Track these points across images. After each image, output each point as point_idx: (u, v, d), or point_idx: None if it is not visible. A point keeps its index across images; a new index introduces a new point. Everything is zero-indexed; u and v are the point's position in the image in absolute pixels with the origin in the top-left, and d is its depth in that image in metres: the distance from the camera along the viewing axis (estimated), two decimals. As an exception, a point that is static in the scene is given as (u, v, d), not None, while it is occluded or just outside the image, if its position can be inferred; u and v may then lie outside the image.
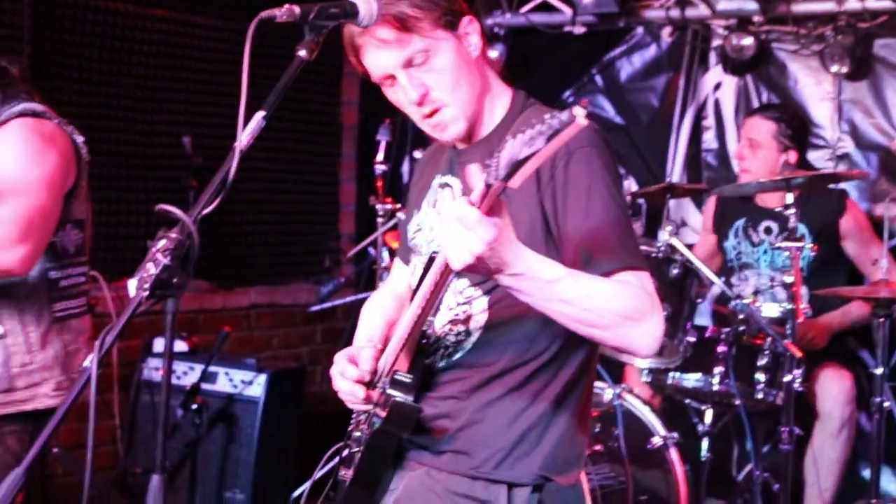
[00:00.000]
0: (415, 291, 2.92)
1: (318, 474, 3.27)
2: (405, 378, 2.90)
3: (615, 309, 2.60)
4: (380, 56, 2.92)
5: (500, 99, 3.05)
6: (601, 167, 2.79)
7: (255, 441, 6.49)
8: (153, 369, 6.77)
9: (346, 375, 2.97)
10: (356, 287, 8.03)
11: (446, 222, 2.41)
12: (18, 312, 3.86)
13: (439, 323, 3.00)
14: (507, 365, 2.93)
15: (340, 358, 3.03)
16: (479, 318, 2.95)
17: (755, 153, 6.26)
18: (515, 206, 2.70)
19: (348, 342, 3.21)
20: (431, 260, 2.78)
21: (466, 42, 2.95)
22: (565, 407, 2.98)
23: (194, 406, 6.42)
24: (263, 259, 7.95)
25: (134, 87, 7.15)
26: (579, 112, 2.21)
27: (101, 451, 6.46)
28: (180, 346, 6.78)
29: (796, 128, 6.38)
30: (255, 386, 6.53)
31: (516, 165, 2.28)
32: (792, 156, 6.29)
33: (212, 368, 6.55)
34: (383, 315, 3.32)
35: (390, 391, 2.88)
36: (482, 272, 2.49)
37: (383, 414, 2.89)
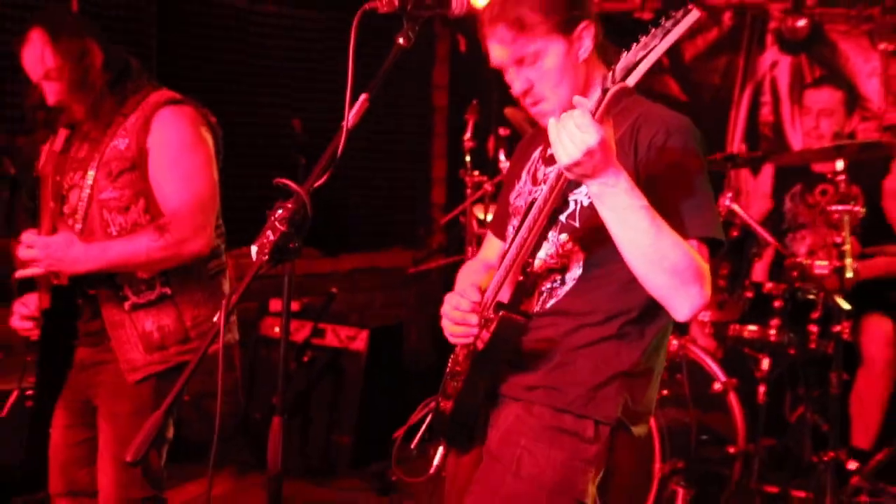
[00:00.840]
0: (515, 236, 2.94)
1: (415, 417, 3.31)
2: (508, 304, 2.89)
3: (674, 259, 2.61)
4: (496, 50, 2.95)
5: None
6: (694, 149, 2.81)
7: (359, 389, 6.58)
8: (269, 327, 6.89)
9: (460, 307, 2.95)
10: (447, 252, 8.07)
11: (563, 123, 2.48)
12: (183, 273, 3.93)
13: (538, 264, 2.97)
14: (597, 316, 2.93)
15: (450, 296, 3.02)
16: (575, 269, 2.95)
17: (826, 120, 6.23)
18: (620, 153, 2.68)
19: (440, 302, 3.23)
20: (531, 204, 2.81)
21: (578, 44, 2.94)
22: (647, 363, 3.00)
23: (305, 359, 6.52)
24: (364, 228, 8.01)
25: (248, 74, 7.26)
26: (693, 10, 2.30)
27: (226, 400, 6.55)
28: (293, 305, 6.86)
29: (856, 97, 6.39)
30: (358, 341, 6.61)
31: (632, 66, 2.34)
32: (853, 122, 6.28)
33: (321, 325, 6.64)
34: (477, 277, 3.28)
35: (496, 312, 2.87)
36: (585, 172, 2.51)
37: (491, 329, 2.86)
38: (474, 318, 2.92)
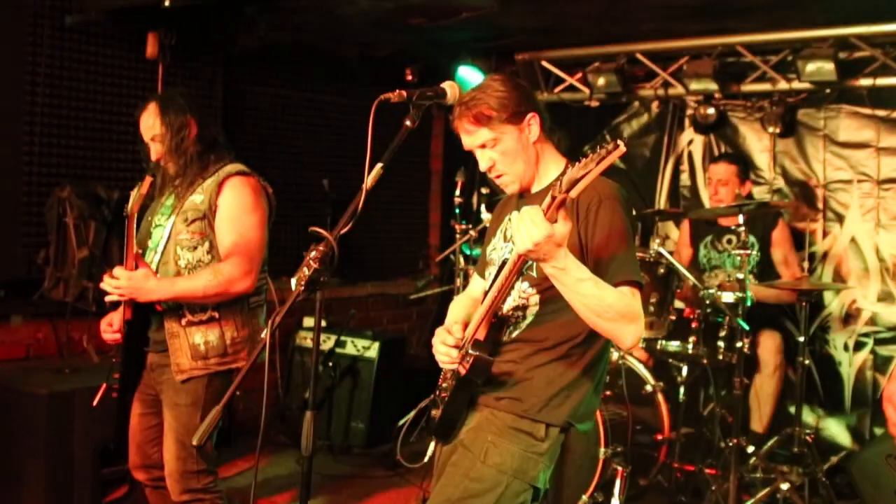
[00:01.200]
0: (491, 286, 2.99)
1: (415, 411, 3.33)
2: (482, 343, 2.94)
3: (618, 309, 2.71)
4: (464, 138, 3.06)
5: (555, 164, 3.09)
6: (620, 212, 2.89)
7: (371, 387, 6.59)
8: (303, 339, 6.85)
9: (446, 342, 3.04)
10: (441, 282, 8.06)
11: (522, 217, 2.53)
12: (230, 304, 3.95)
13: (507, 308, 3.03)
14: (551, 342, 2.99)
15: (440, 331, 3.10)
16: (534, 307, 3.02)
17: (724, 188, 6.23)
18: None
19: (435, 320, 3.29)
20: (503, 263, 2.85)
21: (528, 131, 3.02)
22: (589, 376, 3.05)
23: (330, 364, 6.51)
24: (378, 262, 7.97)
25: (291, 145, 7.28)
26: (620, 143, 2.36)
27: (269, 395, 6.52)
28: (322, 321, 6.83)
29: (746, 167, 6.40)
30: (371, 350, 6.61)
31: (575, 181, 2.39)
32: (747, 187, 6.28)
33: (342, 338, 6.63)
34: (464, 309, 3.37)
35: (472, 351, 2.91)
36: (538, 258, 2.58)
37: (468, 366, 2.91)
38: (455, 353, 3.01)
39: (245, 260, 3.88)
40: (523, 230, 2.52)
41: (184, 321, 3.90)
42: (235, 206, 3.92)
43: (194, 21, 6.13)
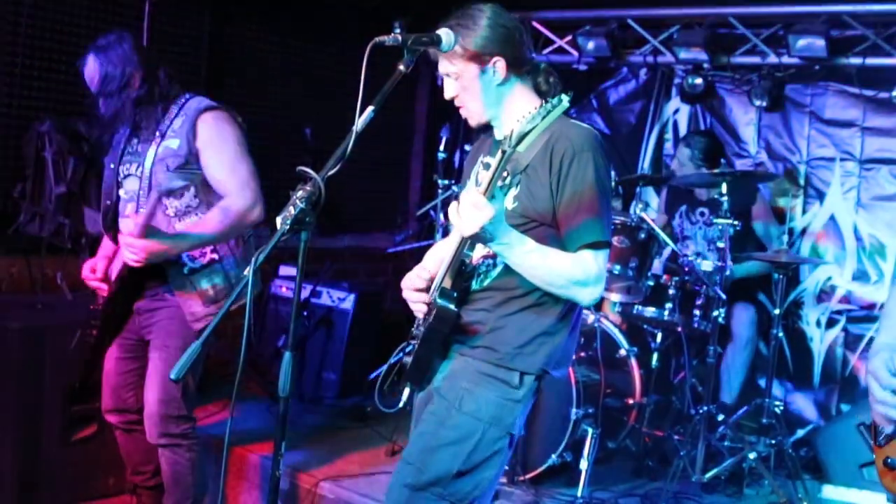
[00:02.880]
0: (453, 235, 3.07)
1: (387, 364, 3.33)
2: (448, 291, 2.95)
3: (565, 277, 2.84)
4: (439, 65, 3.09)
5: (528, 105, 3.02)
6: (594, 166, 2.88)
7: (345, 339, 6.58)
8: (278, 287, 6.83)
9: (415, 285, 3.10)
10: (418, 238, 8.04)
11: (462, 203, 2.65)
12: (228, 242, 3.98)
13: (476, 255, 3.03)
14: (522, 290, 2.97)
15: (409, 274, 3.16)
16: None
17: (680, 169, 6.25)
18: (537, 184, 2.89)
19: None
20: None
21: (490, 72, 3.01)
22: (563, 324, 3.04)
23: (305, 313, 6.50)
24: (356, 215, 7.96)
25: (275, 93, 7.22)
26: (564, 97, 2.57)
27: (239, 342, 6.48)
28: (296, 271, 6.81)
29: (704, 150, 6.28)
30: (346, 301, 6.61)
31: (522, 136, 2.56)
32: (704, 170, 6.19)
33: (318, 288, 6.61)
34: (440, 251, 3.38)
35: (438, 300, 2.93)
36: (483, 238, 2.72)
37: (432, 314, 2.94)
38: (421, 296, 3.07)
39: (246, 189, 3.88)
40: (467, 215, 2.63)
41: (186, 270, 3.91)
42: (217, 141, 3.90)
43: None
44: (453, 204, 2.72)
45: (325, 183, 2.63)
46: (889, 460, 2.22)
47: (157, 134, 3.90)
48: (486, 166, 3.10)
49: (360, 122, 2.72)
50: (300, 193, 2.60)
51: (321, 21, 7.41)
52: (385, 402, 3.40)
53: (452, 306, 2.92)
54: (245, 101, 6.78)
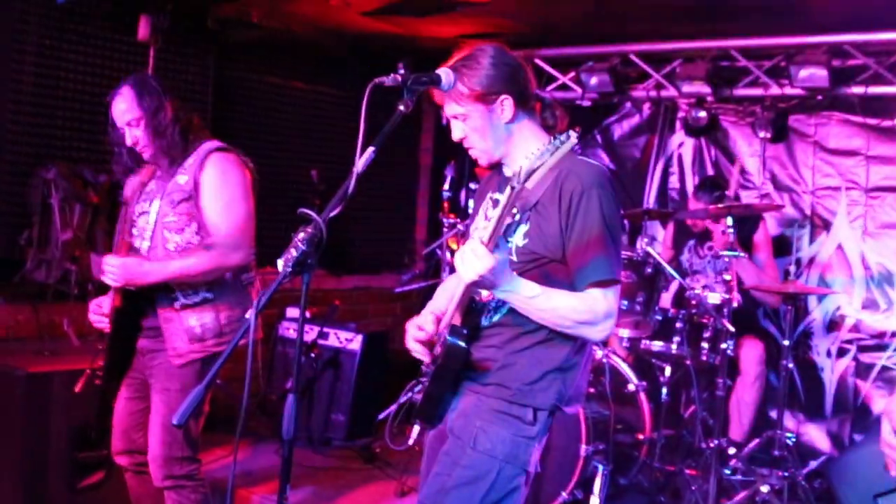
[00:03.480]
0: None
1: (396, 405, 3.33)
2: (458, 328, 2.94)
3: (573, 319, 2.84)
4: (445, 108, 3.05)
5: (536, 142, 3.02)
6: (602, 204, 2.88)
7: (353, 380, 6.54)
8: (286, 329, 6.82)
9: (418, 337, 3.05)
10: (425, 276, 8.03)
11: (463, 251, 2.66)
12: (222, 282, 3.96)
13: (486, 293, 2.99)
14: (533, 326, 2.94)
15: (411, 324, 3.11)
16: None
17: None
18: (547, 220, 2.88)
19: (419, 314, 3.28)
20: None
21: (499, 111, 3.01)
22: (574, 360, 3.02)
23: (313, 355, 6.49)
24: (364, 255, 7.96)
25: (281, 134, 7.26)
26: (573, 134, 2.50)
27: (249, 384, 6.47)
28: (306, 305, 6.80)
29: (718, 199, 6.29)
30: (354, 343, 6.58)
31: (530, 173, 2.53)
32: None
33: (325, 329, 6.61)
34: (447, 291, 3.33)
35: (448, 337, 2.91)
36: (484, 286, 2.74)
37: (443, 351, 2.93)
38: (425, 349, 3.04)
39: (234, 232, 3.88)
40: (467, 263, 2.64)
41: (178, 304, 3.90)
42: (219, 181, 3.91)
43: (188, 6, 6.10)
44: (460, 249, 2.71)
45: (327, 224, 2.63)
46: None
47: (172, 172, 3.94)
48: (496, 203, 3.12)
49: (360, 163, 2.71)
50: (301, 235, 2.59)
51: (325, 63, 7.46)
52: (395, 441, 3.39)
53: (463, 343, 2.91)
54: (251, 145, 6.75)
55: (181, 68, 6.46)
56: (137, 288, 3.87)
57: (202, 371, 3.89)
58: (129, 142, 3.96)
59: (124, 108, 3.93)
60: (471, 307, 2.98)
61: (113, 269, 3.78)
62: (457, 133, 3.06)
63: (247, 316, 2.73)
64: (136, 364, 4.08)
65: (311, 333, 6.58)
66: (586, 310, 2.83)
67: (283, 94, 7.34)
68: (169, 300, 3.90)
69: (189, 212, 3.89)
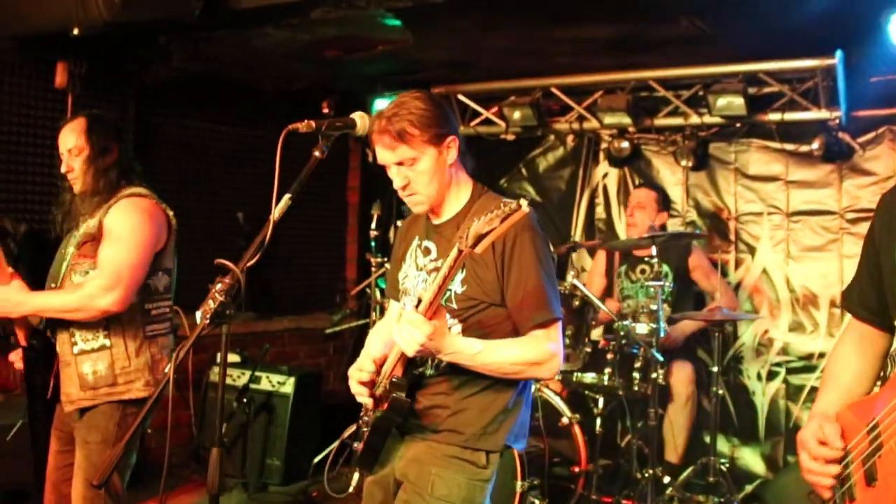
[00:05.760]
0: None
1: (330, 449, 3.30)
2: (400, 381, 2.94)
3: (521, 362, 2.88)
4: (383, 153, 3.00)
5: (465, 188, 3.11)
6: (535, 247, 2.93)
7: (287, 424, 6.47)
8: (216, 374, 6.72)
9: (361, 380, 3.06)
10: (357, 316, 8.00)
11: (402, 323, 2.70)
12: (122, 331, 3.84)
13: None
14: (475, 372, 2.95)
15: (353, 369, 3.11)
16: None
17: (641, 212, 6.31)
18: (483, 267, 2.91)
19: (352, 354, 3.28)
20: (419, 300, 2.80)
21: (446, 153, 3.01)
22: (520, 399, 3.08)
23: (245, 400, 6.40)
24: (293, 296, 7.88)
25: (206, 179, 7.19)
26: (523, 203, 2.45)
27: (182, 433, 6.39)
28: (235, 357, 6.73)
29: (666, 198, 6.48)
30: (287, 385, 6.51)
31: (480, 237, 2.48)
32: (663, 216, 6.36)
33: (257, 373, 6.53)
34: (381, 338, 3.35)
35: (391, 390, 2.93)
36: (425, 354, 2.79)
37: (385, 406, 2.93)
38: (366, 391, 3.05)
39: (110, 277, 3.73)
40: (406, 336, 2.69)
41: (75, 349, 3.82)
42: (118, 225, 3.81)
43: (106, 50, 6.03)
44: (394, 325, 2.76)
45: (245, 274, 2.60)
46: None
47: (91, 215, 3.88)
48: (427, 250, 3.11)
49: (276, 211, 2.71)
50: (219, 286, 2.58)
51: (250, 105, 7.42)
52: (332, 484, 3.36)
53: (404, 395, 2.92)
54: (176, 188, 6.73)
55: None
56: (42, 324, 3.83)
57: (122, 423, 3.79)
58: (63, 168, 3.92)
59: (71, 135, 3.90)
60: (409, 362, 2.96)
61: None
62: (399, 180, 3.01)
63: (165, 371, 2.68)
64: (60, 413, 3.98)
65: (243, 378, 6.50)
66: (532, 352, 2.88)
67: (208, 136, 7.26)
68: (69, 344, 3.83)
69: (91, 254, 3.80)
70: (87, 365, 3.80)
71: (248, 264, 2.64)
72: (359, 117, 2.96)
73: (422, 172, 2.98)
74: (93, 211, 3.88)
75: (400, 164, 2.98)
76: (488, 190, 3.15)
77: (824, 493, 2.37)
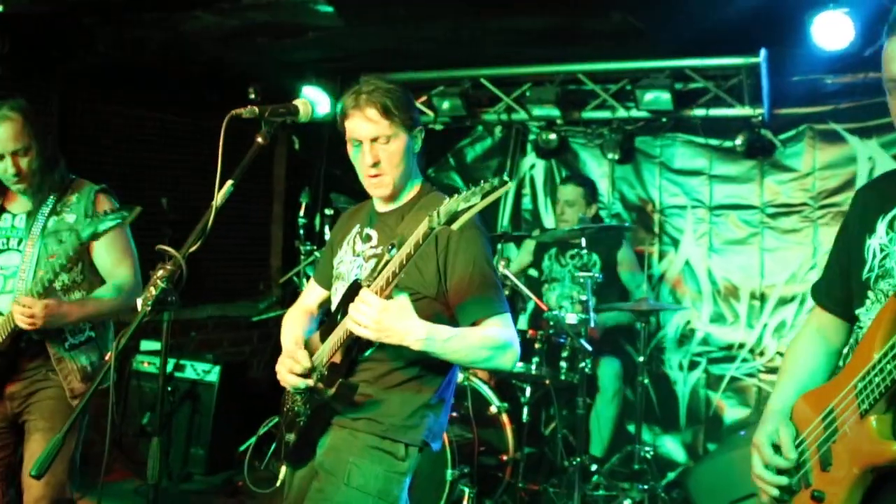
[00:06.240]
0: (337, 309, 3.01)
1: (256, 436, 3.26)
2: (341, 367, 2.95)
3: (487, 351, 2.84)
4: (362, 126, 2.99)
5: (416, 182, 3.13)
6: (480, 240, 2.94)
7: (212, 412, 6.42)
8: (140, 363, 6.62)
9: (294, 370, 3.01)
10: (282, 304, 7.94)
11: (359, 305, 2.66)
12: (102, 322, 3.95)
13: None
14: (404, 361, 2.97)
15: (284, 358, 3.07)
16: None
17: (570, 209, 6.36)
18: (423, 256, 2.79)
19: (277, 343, 3.27)
20: (353, 285, 2.82)
21: (413, 142, 3.04)
22: (442, 395, 3.08)
23: (169, 388, 6.33)
24: (218, 284, 7.79)
25: (130, 165, 7.05)
26: (507, 178, 2.40)
27: (101, 423, 6.25)
28: (157, 345, 6.65)
29: (594, 190, 6.54)
30: (211, 374, 6.46)
31: (456, 215, 2.43)
32: (593, 209, 6.42)
33: (182, 361, 6.45)
34: (299, 323, 3.37)
35: (333, 377, 2.91)
36: (395, 341, 2.71)
37: (331, 391, 2.86)
38: (304, 382, 2.99)
39: (137, 276, 3.90)
40: (365, 317, 2.66)
41: (67, 345, 3.82)
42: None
43: (29, 32, 5.87)
44: (351, 306, 2.70)
45: (186, 260, 2.57)
46: (815, 494, 2.27)
47: (45, 207, 3.81)
48: (367, 237, 3.10)
49: (219, 197, 2.68)
50: (161, 273, 2.54)
51: (176, 90, 7.29)
52: (257, 479, 3.32)
53: (352, 381, 2.90)
54: (99, 173, 6.57)
55: (22, 98, 6.21)
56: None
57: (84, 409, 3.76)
58: (10, 171, 3.78)
59: (12, 134, 3.74)
60: (347, 349, 2.96)
61: (31, 310, 3.58)
62: (370, 157, 2.99)
63: (106, 358, 2.64)
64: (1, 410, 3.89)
65: (166, 366, 6.41)
66: (493, 339, 2.85)
67: (132, 123, 7.12)
68: (60, 340, 3.80)
69: (77, 251, 3.74)
70: (84, 357, 3.85)
71: (190, 251, 2.61)
72: (301, 104, 2.93)
73: (393, 153, 2.99)
74: (48, 205, 3.82)
75: (375, 139, 2.98)
76: (435, 189, 3.16)
77: (764, 499, 2.42)
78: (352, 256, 3.16)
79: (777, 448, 2.36)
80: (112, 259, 3.89)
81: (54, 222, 3.82)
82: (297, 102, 2.94)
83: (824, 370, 2.54)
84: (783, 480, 2.33)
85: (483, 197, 2.39)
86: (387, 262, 2.66)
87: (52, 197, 3.85)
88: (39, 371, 3.82)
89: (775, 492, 2.35)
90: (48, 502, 3.77)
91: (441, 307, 2.93)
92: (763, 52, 6.04)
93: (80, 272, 3.85)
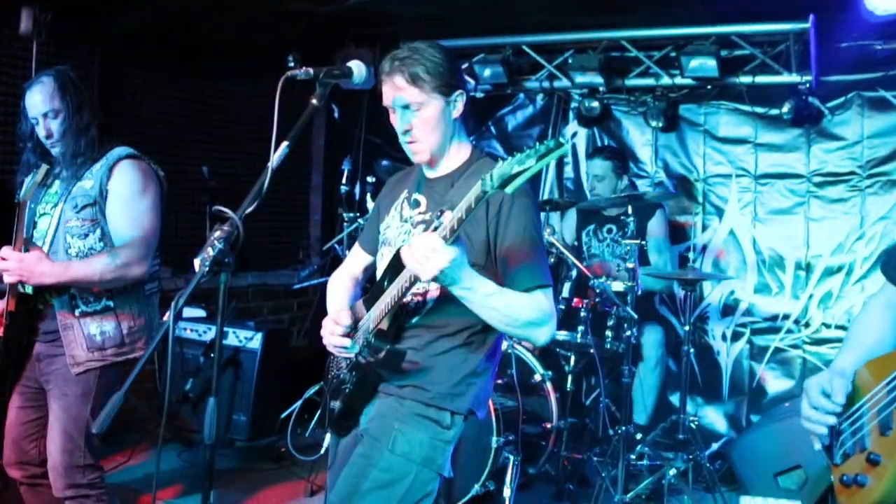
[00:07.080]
0: (384, 276, 2.98)
1: (301, 401, 3.25)
2: (388, 332, 2.94)
3: (525, 317, 2.78)
4: (389, 94, 2.99)
5: (464, 147, 3.09)
6: (531, 213, 2.90)
7: (254, 379, 6.44)
8: (182, 329, 6.67)
9: (336, 332, 3.05)
10: (322, 272, 7.96)
11: (416, 247, 2.57)
12: (124, 292, 3.88)
13: (409, 301, 3.00)
14: (452, 328, 2.97)
15: (328, 321, 3.09)
16: (434, 293, 2.98)
17: (601, 184, 6.33)
18: (473, 222, 2.79)
19: (317, 311, 3.27)
20: (398, 254, 2.79)
21: (452, 106, 3.00)
22: (489, 363, 3.06)
23: (211, 355, 6.35)
24: (259, 253, 7.83)
25: (170, 132, 7.07)
26: (563, 140, 2.32)
27: (146, 388, 6.32)
28: (201, 312, 6.69)
29: (623, 161, 6.48)
30: (254, 341, 6.48)
31: (510, 178, 2.35)
32: (625, 180, 6.38)
33: (224, 328, 6.47)
34: (344, 289, 3.40)
35: (380, 343, 2.91)
36: (444, 283, 2.65)
37: (378, 356, 2.87)
38: (348, 342, 3.03)
39: (141, 244, 3.82)
40: (425, 259, 2.55)
41: (77, 312, 3.80)
42: (127, 189, 3.83)
43: (71, 1, 5.89)
44: (405, 246, 2.64)
45: (243, 221, 2.57)
46: (845, 477, 2.26)
47: (78, 175, 3.83)
48: (415, 203, 3.09)
49: (275, 158, 2.68)
50: (218, 234, 2.54)
51: (213, 59, 7.29)
52: (299, 449, 3.30)
53: (400, 347, 2.90)
54: (140, 141, 6.59)
55: (65, 63, 6.22)
56: (34, 289, 3.77)
57: (102, 377, 3.81)
58: (42, 133, 3.84)
59: (43, 97, 3.81)
60: (394, 316, 2.96)
61: (8, 263, 3.68)
62: (403, 124, 2.99)
63: (164, 319, 2.65)
64: (30, 371, 3.93)
65: (209, 333, 6.46)
66: (536, 309, 2.79)
67: (171, 89, 7.13)
68: (69, 306, 3.80)
69: (93, 218, 3.80)
70: (94, 326, 3.81)
71: (247, 212, 2.61)
72: (355, 66, 2.93)
73: (426, 120, 2.97)
74: (78, 171, 3.84)
75: (406, 106, 2.96)
76: (487, 154, 3.13)
77: (816, 443, 2.42)
78: (399, 222, 3.15)
79: (827, 396, 2.37)
80: (120, 219, 3.84)
81: (77, 189, 3.83)
82: (351, 64, 2.93)
83: (890, 341, 2.52)
84: (830, 419, 2.33)
85: (539, 159, 2.31)
86: (436, 229, 2.61)
87: (82, 163, 3.86)
88: (53, 335, 3.85)
89: (823, 429, 2.36)
90: (64, 469, 3.80)
91: (490, 275, 2.87)
92: (811, 17, 5.94)
93: (98, 238, 3.82)
